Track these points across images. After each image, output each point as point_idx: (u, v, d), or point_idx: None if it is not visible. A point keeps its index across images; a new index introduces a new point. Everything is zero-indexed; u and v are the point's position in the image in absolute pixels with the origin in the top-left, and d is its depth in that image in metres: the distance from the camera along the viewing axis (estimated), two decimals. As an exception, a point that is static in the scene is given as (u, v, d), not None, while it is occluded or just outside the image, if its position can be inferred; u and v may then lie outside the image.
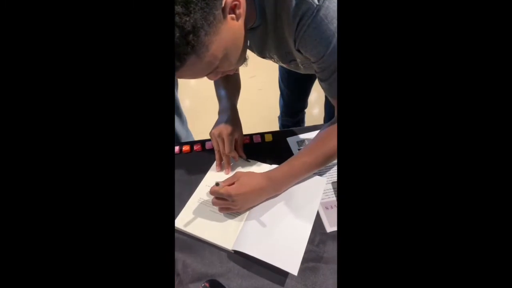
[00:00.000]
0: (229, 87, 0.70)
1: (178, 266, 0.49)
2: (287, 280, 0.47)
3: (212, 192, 0.52)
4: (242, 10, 0.40)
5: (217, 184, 0.51)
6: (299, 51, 0.48)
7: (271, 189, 0.55)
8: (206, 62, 0.39)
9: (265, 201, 0.55)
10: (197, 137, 1.07)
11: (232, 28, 0.40)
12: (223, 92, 0.69)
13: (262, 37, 0.51)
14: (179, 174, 0.64)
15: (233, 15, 0.39)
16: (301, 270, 0.46)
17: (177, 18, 0.32)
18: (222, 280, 0.46)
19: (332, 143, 0.53)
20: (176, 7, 0.32)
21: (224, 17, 0.38)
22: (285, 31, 0.46)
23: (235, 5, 0.38)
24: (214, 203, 0.54)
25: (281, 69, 0.94)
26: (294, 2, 0.41)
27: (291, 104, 1.03)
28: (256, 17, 0.46)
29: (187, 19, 0.33)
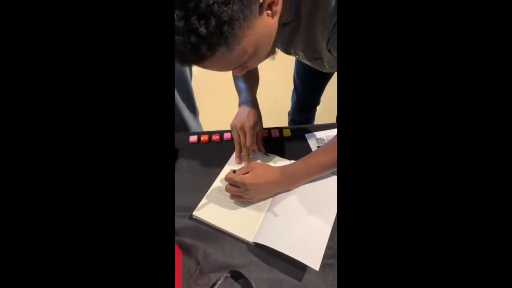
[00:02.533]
0: (249, 79, 0.69)
1: (199, 255, 0.50)
2: (307, 275, 0.47)
3: (227, 178, 0.54)
4: (279, 7, 0.40)
5: (233, 171, 0.53)
6: (329, 51, 0.48)
7: (284, 184, 0.55)
8: (235, 56, 0.38)
9: (282, 193, 0.56)
10: (205, 128, 1.07)
11: (266, 24, 0.39)
12: (243, 85, 0.68)
13: (291, 33, 0.50)
14: (198, 164, 0.64)
15: (269, 12, 0.38)
16: (321, 266, 0.47)
17: (215, 7, 0.31)
18: (242, 272, 0.47)
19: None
20: None
21: (261, 13, 0.37)
22: (318, 31, 0.46)
23: (273, 1, 0.38)
24: (227, 189, 0.55)
25: (298, 65, 0.94)
26: (333, 2, 0.41)
27: (304, 100, 1.02)
28: (289, 14, 0.45)
29: (225, 9, 0.32)
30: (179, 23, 0.32)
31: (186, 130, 0.97)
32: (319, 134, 0.70)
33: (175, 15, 0.32)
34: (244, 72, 0.47)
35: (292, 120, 1.13)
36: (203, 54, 0.35)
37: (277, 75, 1.30)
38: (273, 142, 0.68)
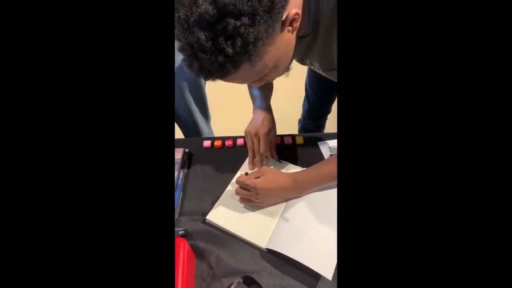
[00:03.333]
0: (263, 88, 0.70)
1: (212, 260, 0.50)
2: (320, 284, 0.47)
3: (238, 181, 0.54)
4: (298, 23, 0.41)
5: (246, 174, 0.54)
6: None
7: (295, 190, 0.56)
8: (257, 70, 0.40)
9: (294, 200, 0.56)
10: (216, 133, 1.08)
11: (287, 39, 0.40)
12: (257, 92, 0.69)
13: (308, 45, 0.51)
14: (211, 169, 0.65)
15: (290, 28, 0.40)
16: (333, 276, 0.47)
17: (242, 29, 0.33)
18: (254, 278, 0.47)
19: None
20: (242, 18, 0.32)
21: (282, 29, 0.38)
22: (335, 43, 0.47)
23: (295, 18, 0.39)
24: (237, 192, 0.56)
25: (310, 74, 0.95)
26: None
27: (316, 108, 1.03)
28: (307, 27, 0.46)
29: (251, 30, 0.33)
30: (207, 44, 0.33)
31: (197, 134, 0.98)
32: (332, 143, 0.70)
33: (203, 36, 0.33)
34: (262, 83, 0.48)
35: (302, 128, 1.14)
36: (228, 71, 0.37)
37: (287, 83, 1.32)
38: (285, 149, 0.68)
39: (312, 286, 0.47)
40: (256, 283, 0.47)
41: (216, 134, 1.05)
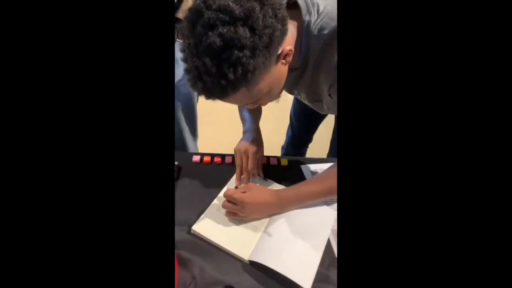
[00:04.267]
0: (252, 111, 0.76)
1: (195, 270, 0.50)
2: (299, 297, 0.49)
3: (226, 195, 0.57)
4: (291, 58, 0.48)
5: (236, 187, 0.57)
6: (330, 95, 0.56)
7: (277, 206, 0.60)
8: (252, 95, 0.46)
9: (277, 216, 0.60)
10: (201, 149, 1.11)
11: (280, 70, 0.47)
12: (247, 115, 0.75)
13: (297, 78, 0.58)
14: (199, 183, 0.67)
15: (284, 61, 0.47)
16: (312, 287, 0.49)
17: (243, 59, 0.39)
18: (236, 289, 0.48)
19: None
20: (244, 50, 0.38)
21: (277, 62, 0.45)
22: (321, 78, 0.54)
23: (288, 54, 0.46)
24: (224, 206, 0.58)
25: (295, 104, 1.03)
26: (336, 56, 0.50)
27: (299, 137, 1.10)
28: (297, 61, 0.54)
29: (251, 61, 0.39)
30: (212, 68, 0.39)
31: (184, 151, 1.01)
32: (313, 167, 0.76)
33: (209, 62, 0.39)
34: (255, 107, 0.55)
35: (285, 154, 1.20)
36: (227, 93, 0.42)
37: (273, 111, 1.40)
38: (271, 169, 0.72)
39: (291, 300, 0.49)
40: (237, 293, 0.48)
41: (201, 151, 1.08)
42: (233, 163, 0.70)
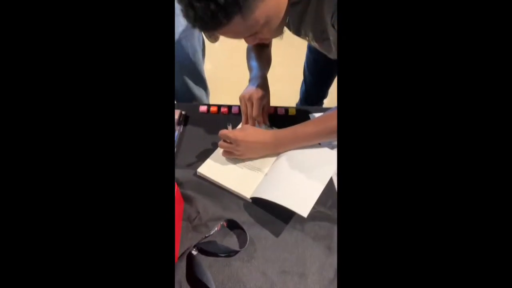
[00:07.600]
0: (261, 60, 0.73)
1: (199, 206, 0.53)
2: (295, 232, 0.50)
3: (221, 134, 0.58)
4: None
5: (228, 124, 0.58)
6: (333, 26, 0.52)
7: (273, 145, 0.60)
8: (248, 25, 0.43)
9: (283, 157, 0.59)
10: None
11: None
12: (255, 63, 0.72)
13: (301, 13, 0.54)
14: (205, 131, 0.68)
15: None
16: (312, 226, 0.50)
17: None
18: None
19: (335, 121, 0.56)
20: None
21: None
22: (325, 8, 0.50)
23: None
24: (220, 145, 0.59)
25: (308, 57, 0.98)
26: None
27: (312, 91, 1.06)
28: None
29: None
30: None
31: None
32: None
33: None
34: (256, 41, 0.52)
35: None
36: (220, 22, 0.40)
37: (286, 67, 1.34)
38: (278, 119, 0.71)
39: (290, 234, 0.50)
40: (239, 227, 0.50)
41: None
42: (240, 113, 0.70)
